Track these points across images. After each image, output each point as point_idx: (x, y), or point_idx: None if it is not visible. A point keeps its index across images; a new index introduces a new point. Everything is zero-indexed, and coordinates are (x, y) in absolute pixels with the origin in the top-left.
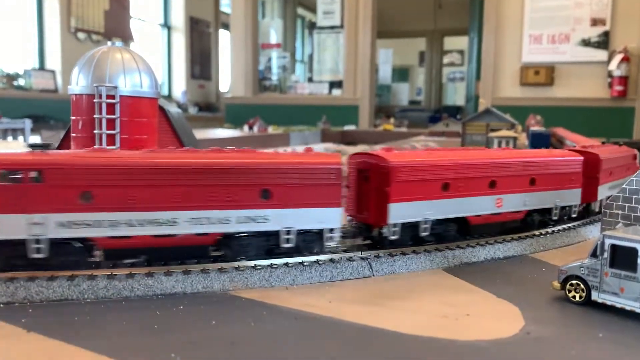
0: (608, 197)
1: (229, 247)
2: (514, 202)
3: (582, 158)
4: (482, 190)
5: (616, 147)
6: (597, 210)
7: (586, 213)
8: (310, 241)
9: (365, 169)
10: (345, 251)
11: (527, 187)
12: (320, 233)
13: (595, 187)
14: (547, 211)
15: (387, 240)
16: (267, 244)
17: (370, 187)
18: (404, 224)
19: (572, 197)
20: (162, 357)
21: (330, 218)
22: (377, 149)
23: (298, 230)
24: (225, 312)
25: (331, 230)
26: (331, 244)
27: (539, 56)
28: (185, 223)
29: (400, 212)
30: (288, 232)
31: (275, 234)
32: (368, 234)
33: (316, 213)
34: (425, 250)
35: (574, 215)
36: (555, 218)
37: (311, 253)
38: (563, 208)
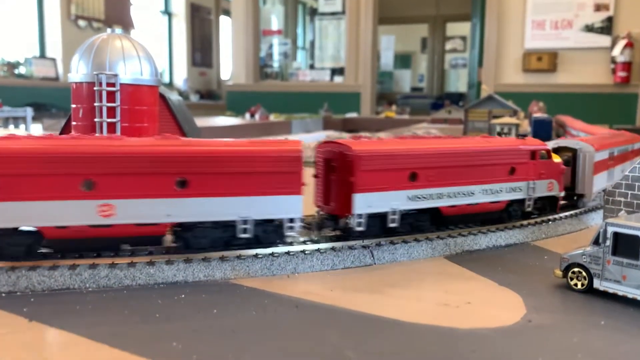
0: (612, 186)
1: None
2: (139, 211)
3: (296, 153)
4: (66, 193)
5: (463, 138)
6: (361, 229)
7: (343, 232)
8: None
9: None
10: None
11: (171, 191)
12: None
13: (348, 196)
14: (232, 226)
15: None
16: None
17: None
18: None
19: (282, 208)
20: (164, 345)
21: None
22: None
23: None
24: (226, 300)
25: None
26: None
27: (542, 42)
28: None
29: None
30: None
31: None
32: None
33: None
34: (427, 238)
35: (291, 233)
36: (244, 236)
37: None
38: (268, 222)
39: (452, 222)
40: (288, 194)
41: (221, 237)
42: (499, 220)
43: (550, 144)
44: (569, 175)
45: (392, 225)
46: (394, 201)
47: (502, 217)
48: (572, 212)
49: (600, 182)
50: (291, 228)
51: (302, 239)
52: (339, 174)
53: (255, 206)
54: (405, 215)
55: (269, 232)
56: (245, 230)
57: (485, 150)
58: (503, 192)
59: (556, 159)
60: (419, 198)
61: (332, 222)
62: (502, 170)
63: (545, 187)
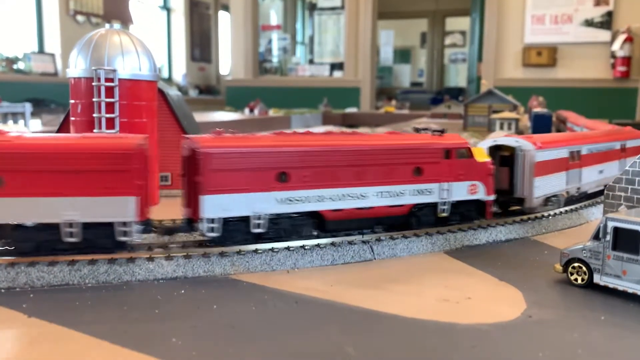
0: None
1: None
2: None
3: (128, 149)
4: None
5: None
6: (214, 234)
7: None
8: None
9: None
10: None
11: None
12: None
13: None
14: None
15: None
16: None
17: None
18: None
19: (113, 210)
20: (163, 341)
21: None
22: None
23: None
24: (226, 296)
25: None
26: None
27: (542, 37)
28: None
29: None
30: None
31: None
32: None
33: None
34: (427, 233)
35: (125, 239)
36: (71, 240)
37: None
38: (101, 226)
39: (342, 227)
40: (120, 195)
41: (47, 240)
42: (406, 226)
43: (488, 142)
44: (506, 176)
45: (257, 230)
46: (258, 204)
47: (410, 223)
48: (572, 207)
49: (550, 184)
50: (125, 233)
51: (158, 246)
52: (192, 173)
53: (81, 207)
54: (280, 220)
55: (102, 236)
56: (71, 234)
57: (380, 148)
58: (406, 195)
59: (482, 158)
60: (292, 201)
61: (187, 227)
62: (405, 170)
63: (466, 190)
